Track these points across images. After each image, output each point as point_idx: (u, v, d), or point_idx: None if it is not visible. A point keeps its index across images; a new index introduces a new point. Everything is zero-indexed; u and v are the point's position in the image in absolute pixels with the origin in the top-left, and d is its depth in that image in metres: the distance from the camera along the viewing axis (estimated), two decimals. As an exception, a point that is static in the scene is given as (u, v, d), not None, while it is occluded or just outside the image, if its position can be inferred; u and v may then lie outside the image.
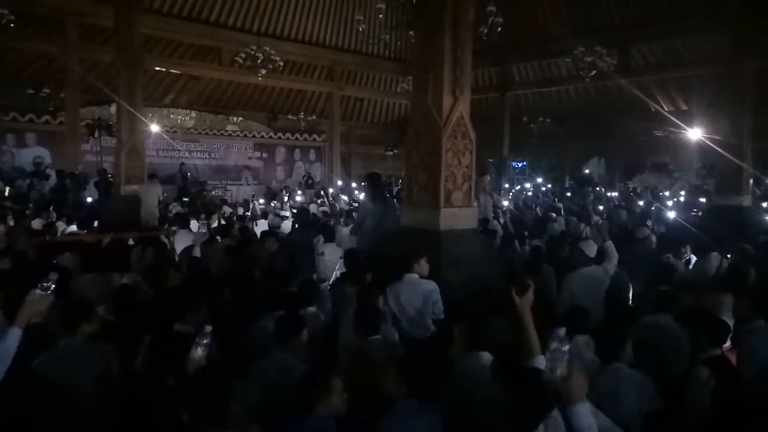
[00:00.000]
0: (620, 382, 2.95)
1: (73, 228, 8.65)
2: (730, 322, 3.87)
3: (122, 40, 10.82)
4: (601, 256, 5.16)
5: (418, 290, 4.41)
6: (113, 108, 12.84)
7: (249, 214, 11.00)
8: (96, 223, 9.73)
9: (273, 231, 8.19)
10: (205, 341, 2.80)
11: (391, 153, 22.26)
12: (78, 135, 13.50)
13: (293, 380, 2.86)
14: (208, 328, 2.86)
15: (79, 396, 2.99)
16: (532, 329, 2.39)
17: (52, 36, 12.79)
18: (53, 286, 2.56)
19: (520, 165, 22.18)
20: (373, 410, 2.76)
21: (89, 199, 12.12)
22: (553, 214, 10.03)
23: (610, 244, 5.13)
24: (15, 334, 2.44)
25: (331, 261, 6.34)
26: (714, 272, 5.68)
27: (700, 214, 11.38)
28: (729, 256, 5.96)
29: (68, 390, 2.97)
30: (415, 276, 4.48)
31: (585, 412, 2.09)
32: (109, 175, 11.98)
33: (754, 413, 3.08)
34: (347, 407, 2.58)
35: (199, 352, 2.77)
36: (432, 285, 4.47)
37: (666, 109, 17.07)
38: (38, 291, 2.52)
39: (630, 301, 5.29)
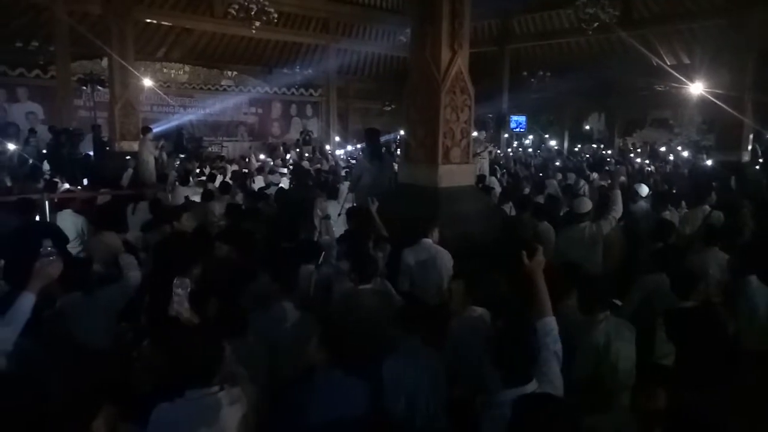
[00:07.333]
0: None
1: (67, 186, 8.60)
2: (721, 276, 4.02)
3: (111, -10, 10.51)
4: (602, 207, 5.13)
5: (437, 258, 4.32)
6: (105, 62, 12.56)
7: (247, 171, 10.92)
8: (86, 181, 9.69)
9: (272, 188, 8.17)
10: (180, 291, 2.92)
11: (389, 108, 21.98)
12: (70, 90, 13.26)
13: (292, 326, 3.11)
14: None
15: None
16: (544, 290, 2.42)
17: (39, -13, 12.40)
18: (54, 250, 2.57)
19: (518, 120, 21.94)
20: (371, 353, 2.90)
21: (84, 156, 12.04)
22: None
23: (617, 194, 5.05)
24: (28, 299, 2.40)
25: (332, 218, 6.33)
26: (700, 223, 5.59)
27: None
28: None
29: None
30: (430, 241, 4.41)
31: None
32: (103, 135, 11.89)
33: (747, 360, 3.25)
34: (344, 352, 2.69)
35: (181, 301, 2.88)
36: (449, 255, 4.35)
37: (668, 63, 16.78)
38: (43, 258, 2.49)
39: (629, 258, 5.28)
